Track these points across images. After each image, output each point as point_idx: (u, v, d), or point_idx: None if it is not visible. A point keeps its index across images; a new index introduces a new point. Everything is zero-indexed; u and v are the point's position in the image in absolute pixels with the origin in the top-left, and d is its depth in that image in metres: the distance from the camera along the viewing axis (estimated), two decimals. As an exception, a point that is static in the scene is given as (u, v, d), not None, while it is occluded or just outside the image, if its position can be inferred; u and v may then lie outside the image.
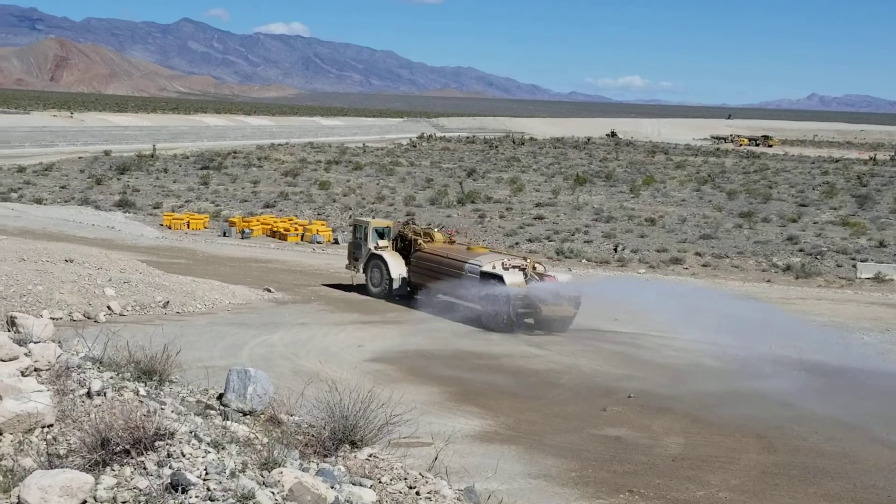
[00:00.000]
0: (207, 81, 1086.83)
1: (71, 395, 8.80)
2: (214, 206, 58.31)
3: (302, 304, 32.06)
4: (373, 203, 60.93)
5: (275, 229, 48.97)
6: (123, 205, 57.56)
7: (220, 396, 10.38)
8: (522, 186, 73.03)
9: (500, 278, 30.03)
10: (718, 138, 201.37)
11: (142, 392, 9.24)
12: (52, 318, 21.92)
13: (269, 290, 33.27)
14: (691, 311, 28.87)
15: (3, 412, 8.01)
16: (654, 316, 29.36)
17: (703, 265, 43.05)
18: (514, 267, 30.70)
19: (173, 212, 54.28)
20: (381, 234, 34.99)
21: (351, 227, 36.96)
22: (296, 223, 50.28)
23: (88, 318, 27.09)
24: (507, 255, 33.39)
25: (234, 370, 10.50)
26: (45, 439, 8.05)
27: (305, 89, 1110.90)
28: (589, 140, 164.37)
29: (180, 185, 69.94)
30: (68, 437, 8.00)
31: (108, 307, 28.10)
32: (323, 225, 49.63)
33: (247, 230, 48.45)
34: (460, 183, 71.64)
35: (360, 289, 34.56)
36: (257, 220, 50.90)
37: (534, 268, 31.26)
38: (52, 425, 8.22)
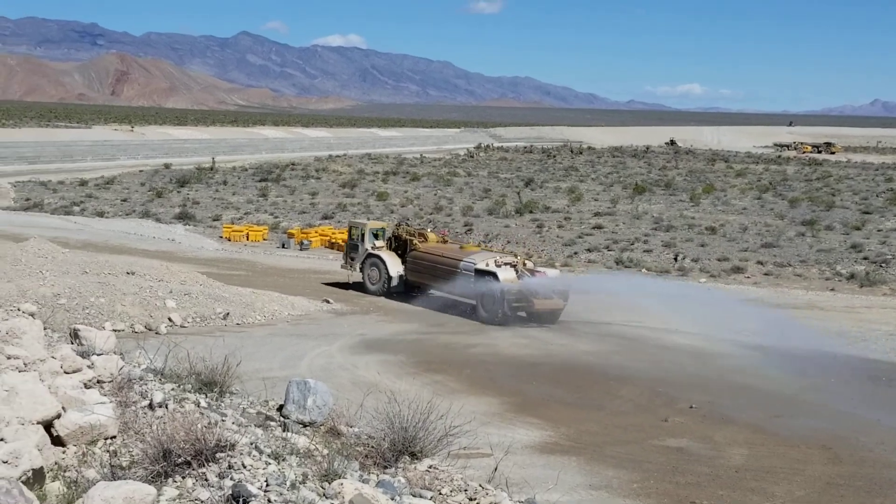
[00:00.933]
0: (266, 94, 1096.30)
1: (133, 407, 8.89)
2: (273, 218, 58.66)
3: (361, 314, 32.11)
4: (430, 214, 60.96)
5: (333, 241, 49.12)
6: (183, 217, 58.07)
7: (280, 408, 10.43)
8: (581, 196, 72.71)
9: (494, 275, 32.37)
10: (781, 145, 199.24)
11: (203, 404, 9.32)
12: (114, 330, 22.20)
13: (328, 302, 33.36)
14: (676, 304, 32.08)
15: (67, 424, 8.09)
16: (637, 307, 31.87)
17: (765, 274, 42.51)
18: (505, 264, 33.02)
19: (232, 224, 54.67)
20: (376, 235, 37.14)
21: (350, 230, 38.70)
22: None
23: (150, 329, 27.32)
24: (499, 252, 35.52)
25: (294, 381, 10.54)
26: (108, 451, 8.12)
27: (363, 101, 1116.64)
28: (648, 149, 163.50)
29: (239, 197, 70.45)
30: (131, 449, 8.07)
31: (169, 319, 28.30)
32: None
33: (305, 242, 48.67)
34: (518, 193, 71.51)
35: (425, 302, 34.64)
36: (316, 232, 51.12)
37: (524, 264, 33.53)
38: (114, 437, 8.30)
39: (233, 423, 8.87)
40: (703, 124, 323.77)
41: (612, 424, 20.61)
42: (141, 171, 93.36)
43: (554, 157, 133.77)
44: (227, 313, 29.55)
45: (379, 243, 36.64)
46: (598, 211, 63.66)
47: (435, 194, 74.71)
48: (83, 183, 77.05)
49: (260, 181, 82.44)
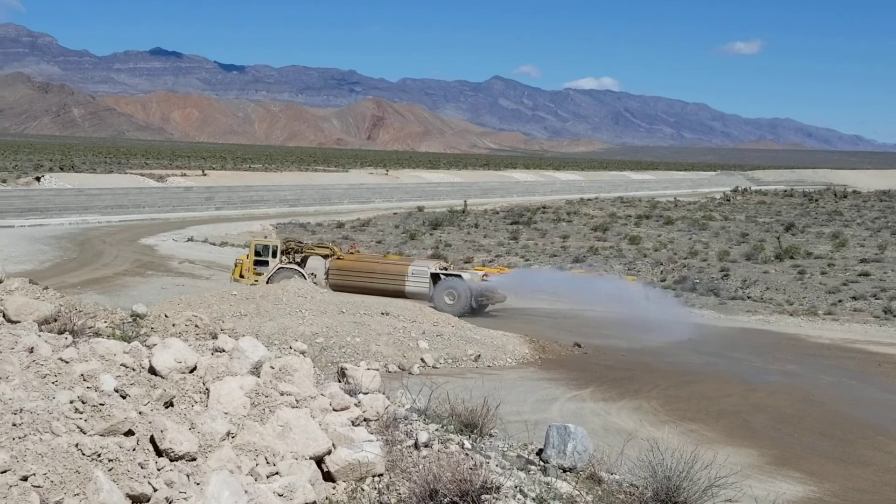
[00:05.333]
0: (517, 137, 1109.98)
1: (399, 446, 9.02)
2: (524, 261, 58.93)
3: (613, 359, 31.68)
4: (685, 258, 59.86)
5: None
6: (436, 259, 58.93)
7: (539, 452, 10.35)
8: (845, 241, 69.64)
9: (458, 276, 39.86)
10: None
11: (467, 445, 9.35)
12: (366, 370, 22.79)
13: (579, 346, 33.13)
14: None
15: (337, 460, 8.29)
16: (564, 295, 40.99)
17: None
18: (443, 267, 40.91)
19: (483, 266, 55.12)
20: (283, 252, 43.29)
21: (254, 248, 43.61)
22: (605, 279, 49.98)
23: (402, 370, 27.81)
24: (432, 260, 44.46)
25: (554, 426, 10.46)
26: (376, 488, 8.27)
27: (615, 143, 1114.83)
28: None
29: (490, 239, 71.24)
30: (398, 487, 8.18)
31: (422, 359, 28.74)
32: (633, 280, 49.09)
33: (555, 284, 48.68)
34: (778, 238, 69.25)
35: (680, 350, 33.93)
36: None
37: (447, 269, 41.05)
38: (381, 475, 8.44)
39: (496, 465, 8.87)
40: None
41: (881, 482, 19.55)
42: (395, 213, 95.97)
43: (816, 200, 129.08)
44: (479, 355, 29.80)
45: (284, 259, 42.83)
46: (865, 257, 60.78)
47: (689, 238, 73.38)
48: (340, 225, 79.82)
49: (511, 224, 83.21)
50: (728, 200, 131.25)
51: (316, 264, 44.90)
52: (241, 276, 42.70)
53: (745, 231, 79.47)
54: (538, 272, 50.86)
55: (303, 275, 41.67)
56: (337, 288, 41.43)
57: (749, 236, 74.65)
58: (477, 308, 39.24)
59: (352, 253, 44.71)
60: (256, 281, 41.86)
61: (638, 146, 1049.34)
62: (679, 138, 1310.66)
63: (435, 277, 40.30)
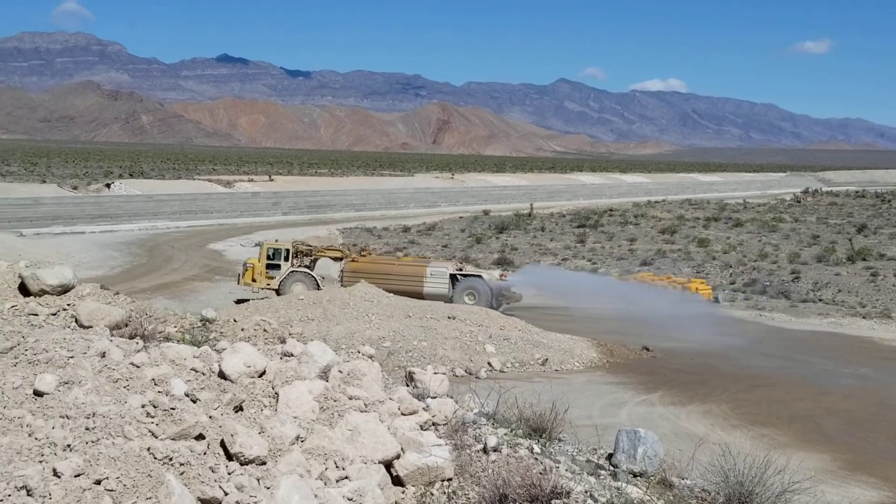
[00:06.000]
0: (583, 140, 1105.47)
1: (468, 451, 8.98)
2: (591, 265, 58.58)
3: (681, 363, 31.35)
4: (755, 261, 59.16)
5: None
6: (502, 263, 58.82)
7: (609, 456, 10.27)
8: (918, 242, 68.53)
9: (479, 276, 40.85)
10: None
11: (536, 449, 9.29)
12: (434, 374, 22.78)
13: (647, 349, 32.83)
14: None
15: (406, 465, 8.27)
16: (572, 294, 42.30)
17: None
18: (459, 268, 41.55)
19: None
20: (293, 255, 42.95)
21: (266, 251, 42.97)
22: (673, 281, 49.48)
23: (469, 374, 27.74)
24: (450, 260, 45.11)
25: (624, 431, 10.37)
26: (445, 493, 8.24)
27: (682, 145, 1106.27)
28: None
29: (557, 243, 70.95)
30: (467, 492, 8.14)
31: (489, 363, 28.64)
32: (702, 283, 48.51)
33: (622, 288, 48.33)
34: (850, 239, 68.21)
35: (750, 354, 33.49)
36: (634, 278, 50.56)
37: (461, 269, 42.05)
38: (450, 479, 8.40)
39: (566, 470, 8.81)
40: None
41: (958, 488, 19.10)
42: (461, 217, 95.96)
43: (889, 201, 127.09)
44: (546, 359, 29.63)
45: (296, 262, 42.41)
46: (938, 259, 59.69)
47: (759, 241, 72.53)
48: (406, 229, 79.90)
49: (578, 227, 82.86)
50: (798, 202, 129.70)
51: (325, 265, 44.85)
52: (253, 280, 42.18)
53: (816, 233, 78.44)
54: (544, 271, 52.48)
55: (314, 278, 41.61)
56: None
57: (820, 238, 73.68)
58: (496, 307, 39.00)
59: (364, 255, 44.64)
60: (268, 285, 41.87)
61: (706, 148, 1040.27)
62: (747, 139, 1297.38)
63: (454, 278, 40.63)
